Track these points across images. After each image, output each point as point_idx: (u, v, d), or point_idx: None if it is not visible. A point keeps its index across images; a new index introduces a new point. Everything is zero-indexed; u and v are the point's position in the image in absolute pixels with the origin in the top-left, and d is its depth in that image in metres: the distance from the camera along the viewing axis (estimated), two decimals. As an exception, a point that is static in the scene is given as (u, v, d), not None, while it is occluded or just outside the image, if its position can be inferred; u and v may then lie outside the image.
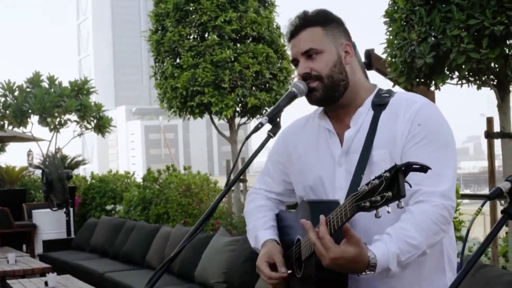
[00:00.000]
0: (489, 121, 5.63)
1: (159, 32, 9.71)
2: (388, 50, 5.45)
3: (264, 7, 9.69)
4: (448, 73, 5.20)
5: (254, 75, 9.27)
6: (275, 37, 9.62)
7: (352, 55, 2.45)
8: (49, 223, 12.51)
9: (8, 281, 8.11)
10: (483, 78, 5.28)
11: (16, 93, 15.79)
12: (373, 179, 1.90)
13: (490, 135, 5.57)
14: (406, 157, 2.26)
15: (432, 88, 5.60)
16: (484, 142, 5.71)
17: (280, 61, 9.64)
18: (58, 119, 15.97)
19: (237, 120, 9.94)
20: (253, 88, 9.38)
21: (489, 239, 1.67)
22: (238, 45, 9.49)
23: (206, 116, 9.71)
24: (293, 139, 2.58)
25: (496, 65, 5.10)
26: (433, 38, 4.92)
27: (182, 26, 9.36)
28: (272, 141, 2.44)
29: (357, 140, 2.38)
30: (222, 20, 9.21)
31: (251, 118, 9.90)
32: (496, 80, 5.32)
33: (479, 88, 5.44)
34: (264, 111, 9.74)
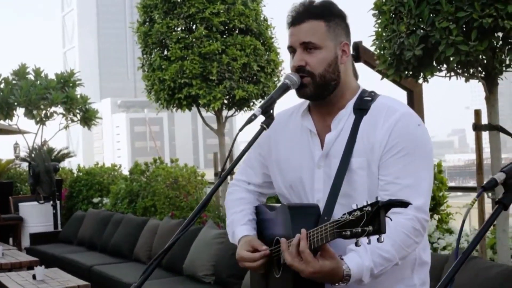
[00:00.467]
0: (477, 113, 5.65)
1: (147, 23, 9.67)
2: (377, 42, 5.45)
3: (252, 0, 9.67)
4: (436, 65, 5.21)
5: (241, 67, 9.25)
6: (262, 30, 9.59)
7: (348, 55, 2.47)
8: (36, 216, 12.46)
9: (-4, 275, 8.09)
10: (471, 71, 5.30)
11: (1, 85, 15.73)
12: (355, 210, 1.96)
13: (478, 127, 5.60)
14: (383, 168, 2.33)
15: (421, 81, 5.61)
16: (469, 135, 5.79)
17: (267, 53, 9.62)
18: (44, 112, 15.91)
19: (224, 112, 9.93)
20: (241, 80, 9.36)
21: (484, 230, 1.68)
22: (226, 37, 9.47)
23: (194, 108, 9.69)
24: (276, 133, 2.59)
25: (484, 57, 5.12)
26: (422, 30, 4.93)
27: (170, 18, 9.32)
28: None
29: (337, 144, 2.42)
30: (210, 12, 9.17)
31: (238, 111, 9.88)
32: (484, 73, 5.34)
33: (467, 80, 5.46)
34: (251, 103, 9.73)
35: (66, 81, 16.02)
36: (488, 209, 5.66)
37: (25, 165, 16.25)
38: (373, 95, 2.46)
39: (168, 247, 2.23)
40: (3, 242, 11.44)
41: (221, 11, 9.28)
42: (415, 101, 7.64)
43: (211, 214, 8.81)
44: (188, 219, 2.22)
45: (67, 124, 16.27)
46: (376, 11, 5.44)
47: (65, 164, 19.58)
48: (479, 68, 5.33)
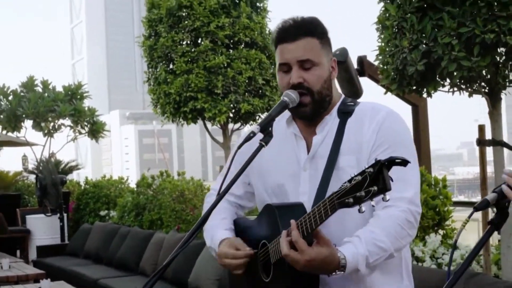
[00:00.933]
0: (481, 128, 5.65)
1: (152, 37, 9.73)
2: (380, 57, 5.47)
3: (257, 13, 9.71)
4: (439, 80, 5.22)
5: (247, 81, 9.29)
6: (267, 43, 9.63)
7: (336, 71, 2.52)
8: (43, 229, 12.48)
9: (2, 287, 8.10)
10: (475, 86, 5.31)
11: (10, 98, 15.78)
12: (355, 176, 1.96)
13: (481, 142, 5.60)
14: None
15: (425, 95, 5.62)
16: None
17: (273, 66, 9.66)
18: (52, 124, 15.97)
19: (230, 126, 9.96)
20: (246, 94, 9.40)
21: (475, 250, 1.69)
22: (231, 50, 9.51)
23: (200, 121, 9.73)
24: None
25: (488, 73, 5.13)
26: (424, 46, 4.95)
27: (175, 31, 9.37)
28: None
29: (324, 146, 2.45)
30: (215, 25, 9.22)
31: (244, 124, 9.91)
32: (487, 88, 5.35)
33: (470, 95, 5.47)
34: (257, 117, 9.76)
35: (74, 93, 16.07)
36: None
37: (33, 177, 16.31)
38: (355, 101, 2.52)
39: (167, 263, 2.22)
40: (11, 254, 11.44)
41: (226, 24, 9.33)
42: (420, 116, 7.65)
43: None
44: (188, 235, 2.22)
45: (75, 137, 16.32)
46: (379, 26, 5.47)
47: (74, 176, 19.63)
48: (483, 84, 5.33)
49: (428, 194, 6.61)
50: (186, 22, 9.36)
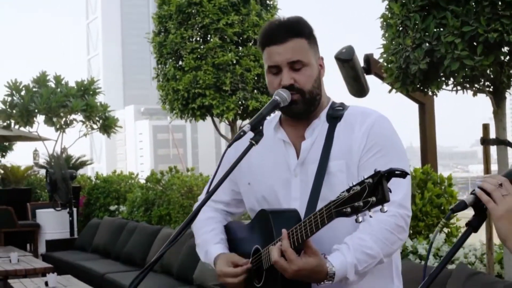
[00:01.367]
0: (485, 127, 5.63)
1: (162, 34, 9.75)
2: (384, 55, 5.47)
3: (266, 10, 9.71)
4: (443, 79, 5.21)
5: (255, 78, 9.29)
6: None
7: (324, 69, 2.53)
8: (53, 223, 12.59)
9: (10, 281, 8.18)
10: (478, 85, 5.29)
11: (22, 93, 15.88)
12: (354, 186, 1.95)
13: (486, 141, 5.58)
14: (364, 168, 2.34)
15: (430, 94, 5.61)
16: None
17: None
18: (64, 119, 16.05)
19: (239, 122, 9.97)
20: (254, 91, 9.40)
21: (452, 252, 1.70)
22: (240, 48, 9.52)
23: (209, 117, 9.75)
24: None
25: (492, 72, 5.11)
26: (427, 44, 4.93)
27: (185, 28, 9.39)
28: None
29: (313, 151, 2.44)
30: (224, 23, 9.23)
31: (252, 121, 9.91)
32: (491, 87, 5.33)
33: (474, 94, 5.45)
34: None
35: (87, 89, 16.15)
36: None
37: (44, 172, 16.41)
38: (343, 105, 2.52)
39: (155, 260, 2.23)
40: (21, 248, 11.55)
41: (235, 21, 9.33)
42: (426, 114, 7.62)
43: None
44: (174, 235, 2.22)
45: (87, 132, 16.39)
46: (383, 24, 5.46)
47: (88, 171, 19.73)
48: (487, 83, 5.31)
49: (433, 193, 6.60)
50: (195, 19, 9.37)
